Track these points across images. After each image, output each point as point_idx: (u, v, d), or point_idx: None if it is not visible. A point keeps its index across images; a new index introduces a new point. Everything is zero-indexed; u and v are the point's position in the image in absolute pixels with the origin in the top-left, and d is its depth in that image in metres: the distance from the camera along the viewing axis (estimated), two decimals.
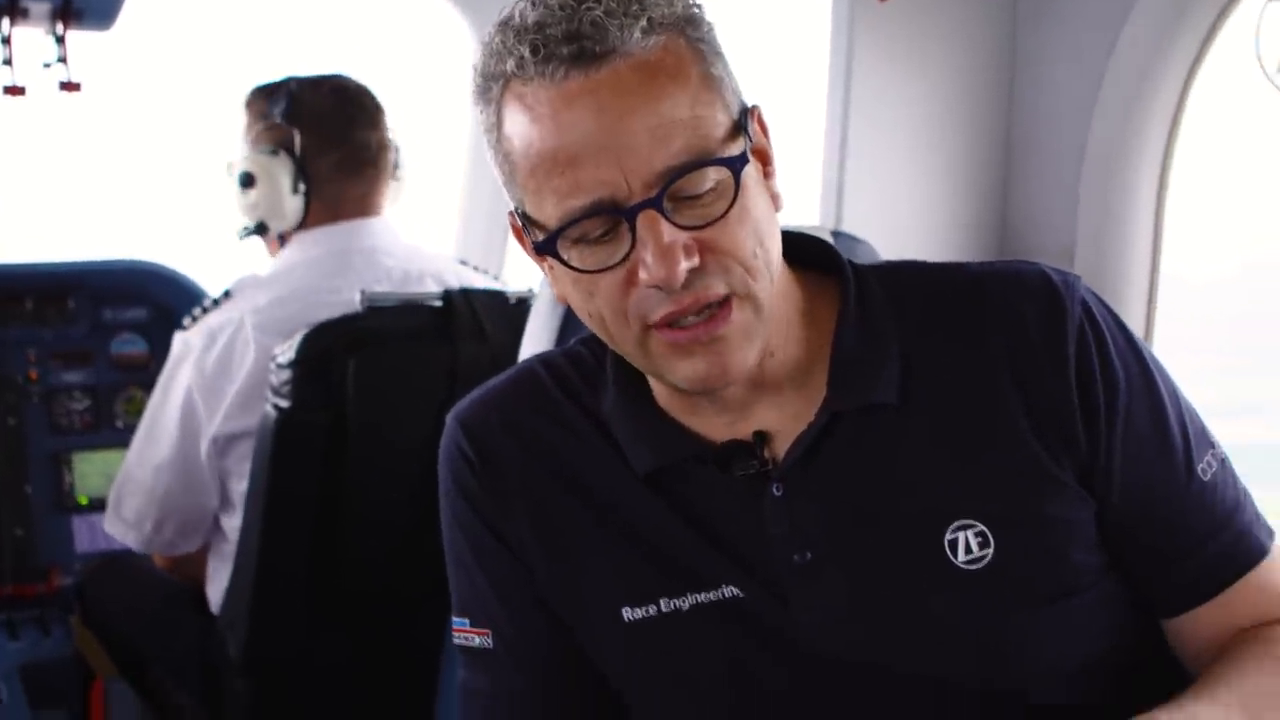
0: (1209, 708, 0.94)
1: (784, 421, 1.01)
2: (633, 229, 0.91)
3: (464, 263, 2.12)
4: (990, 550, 0.97)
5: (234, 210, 2.00)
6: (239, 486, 1.85)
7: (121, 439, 2.03)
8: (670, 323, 0.93)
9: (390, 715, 1.73)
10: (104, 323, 2.53)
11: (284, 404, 1.67)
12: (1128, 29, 1.62)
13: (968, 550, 0.97)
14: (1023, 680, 0.97)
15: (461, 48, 2.57)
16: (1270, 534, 1.06)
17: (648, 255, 0.90)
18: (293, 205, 1.95)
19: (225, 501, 1.92)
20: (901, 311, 1.02)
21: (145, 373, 2.44)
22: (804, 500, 0.99)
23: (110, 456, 2.40)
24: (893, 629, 0.97)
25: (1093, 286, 1.05)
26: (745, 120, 0.94)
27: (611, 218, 0.91)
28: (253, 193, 1.96)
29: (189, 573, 2.02)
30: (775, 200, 0.97)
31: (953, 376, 1.00)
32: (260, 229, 2.00)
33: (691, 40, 0.92)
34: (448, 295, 1.78)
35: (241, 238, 2.02)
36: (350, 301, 1.77)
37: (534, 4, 0.91)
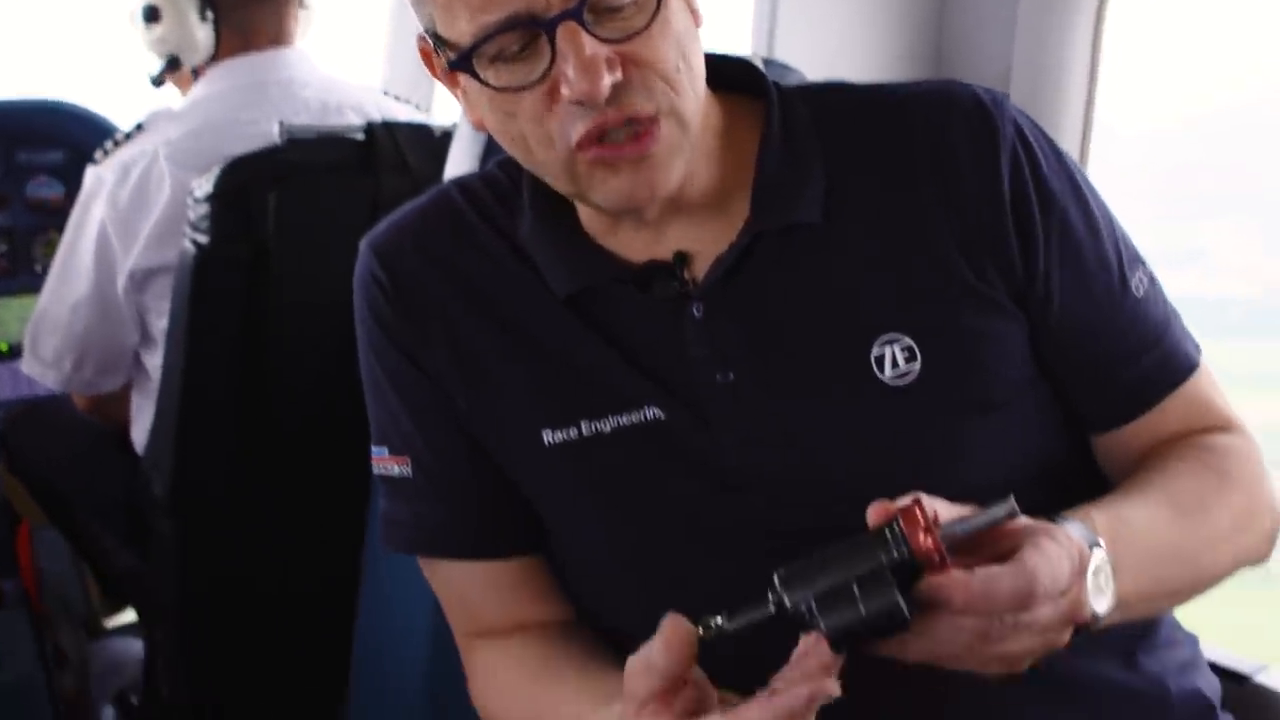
0: (1139, 506, 0.95)
1: (705, 243, 0.99)
2: (552, 43, 0.88)
3: (387, 94, 2.07)
4: (917, 365, 0.96)
5: (143, 49, 1.94)
6: (159, 323, 1.82)
7: (40, 284, 1.99)
8: (597, 138, 0.90)
9: (319, 549, 1.73)
10: (18, 165, 2.46)
11: (202, 239, 1.64)
12: None
13: (894, 365, 0.96)
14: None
15: None
16: (1197, 348, 1.07)
17: (569, 69, 0.87)
18: (202, 34, 1.90)
19: (146, 338, 1.89)
20: (826, 132, 1.00)
21: (62, 216, 2.34)
22: (725, 320, 0.98)
23: (28, 302, 2.31)
24: (818, 447, 0.97)
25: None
26: None
27: (529, 31, 0.88)
28: (159, 26, 1.90)
29: (112, 414, 2.00)
30: (695, 16, 0.95)
31: (878, 196, 0.99)
32: (172, 64, 1.93)
33: None
34: (370, 128, 1.74)
35: (155, 83, 1.96)
36: (268, 134, 1.72)
37: None
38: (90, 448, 2.04)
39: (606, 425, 0.99)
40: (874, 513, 0.79)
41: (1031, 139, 1.00)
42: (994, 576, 0.75)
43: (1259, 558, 1.06)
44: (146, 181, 1.82)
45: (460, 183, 1.08)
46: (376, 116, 1.84)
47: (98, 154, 1.89)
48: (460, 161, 1.38)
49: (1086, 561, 0.80)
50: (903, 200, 0.99)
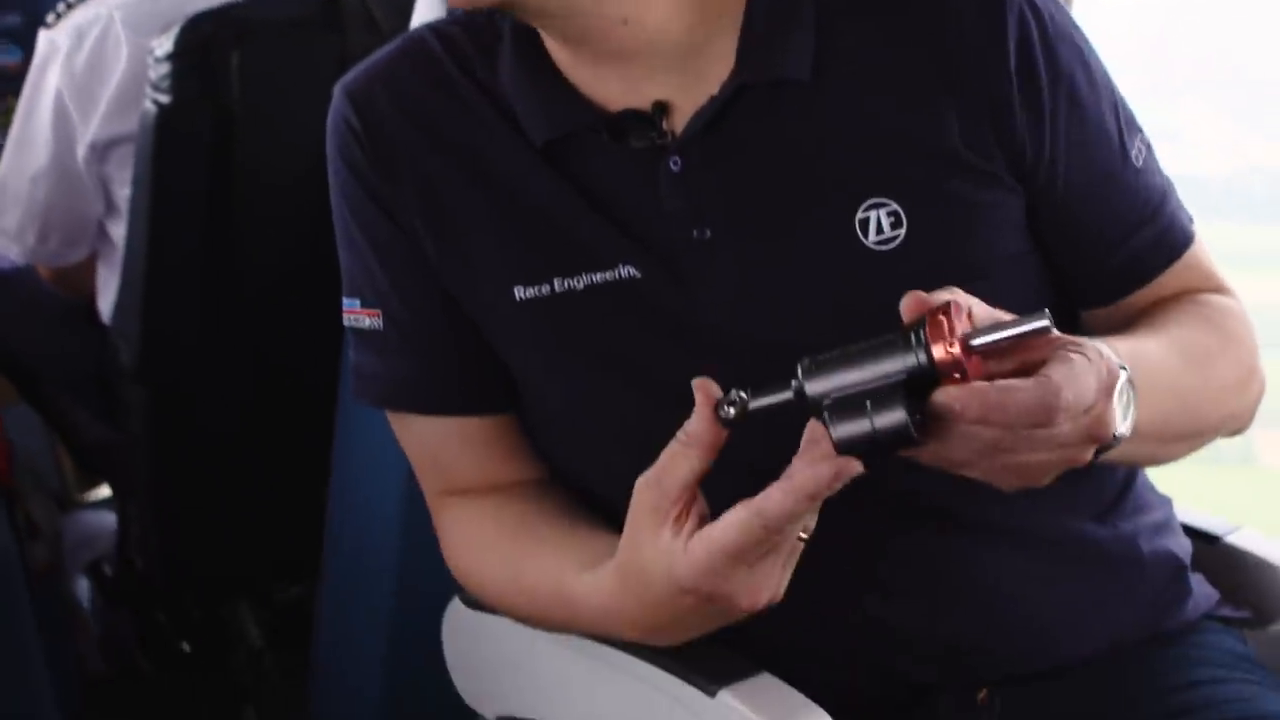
0: (1152, 345, 0.94)
1: (686, 94, 0.96)
2: None
3: None
4: (903, 231, 0.94)
5: None
6: (123, 192, 1.79)
7: None
8: None
9: (291, 412, 1.73)
10: None
11: (164, 99, 1.61)
12: None
13: (879, 230, 0.94)
14: None
15: None
16: (1191, 220, 1.05)
17: None
18: None
19: (111, 208, 1.86)
20: None
21: (19, 81, 2.29)
22: (703, 175, 0.96)
23: None
24: (796, 309, 0.95)
25: None
26: None
27: None
28: None
29: (78, 286, 1.98)
30: None
31: (872, 55, 0.96)
32: None
33: None
34: None
35: None
36: None
37: None
38: (58, 320, 2.02)
39: (580, 282, 0.97)
40: (907, 303, 0.75)
41: (1040, 2, 0.96)
42: (1013, 389, 0.72)
43: (1242, 425, 1.06)
44: (103, 47, 1.76)
45: (436, 27, 1.04)
46: None
47: (49, 17, 1.83)
48: (425, 16, 1.35)
49: (1115, 380, 0.77)
50: (898, 60, 0.96)
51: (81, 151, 1.80)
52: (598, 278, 0.97)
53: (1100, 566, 1.01)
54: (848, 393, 0.74)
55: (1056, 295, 1.02)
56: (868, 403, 0.72)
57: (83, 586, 2.14)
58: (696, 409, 0.79)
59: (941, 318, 0.72)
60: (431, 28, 1.04)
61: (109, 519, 2.23)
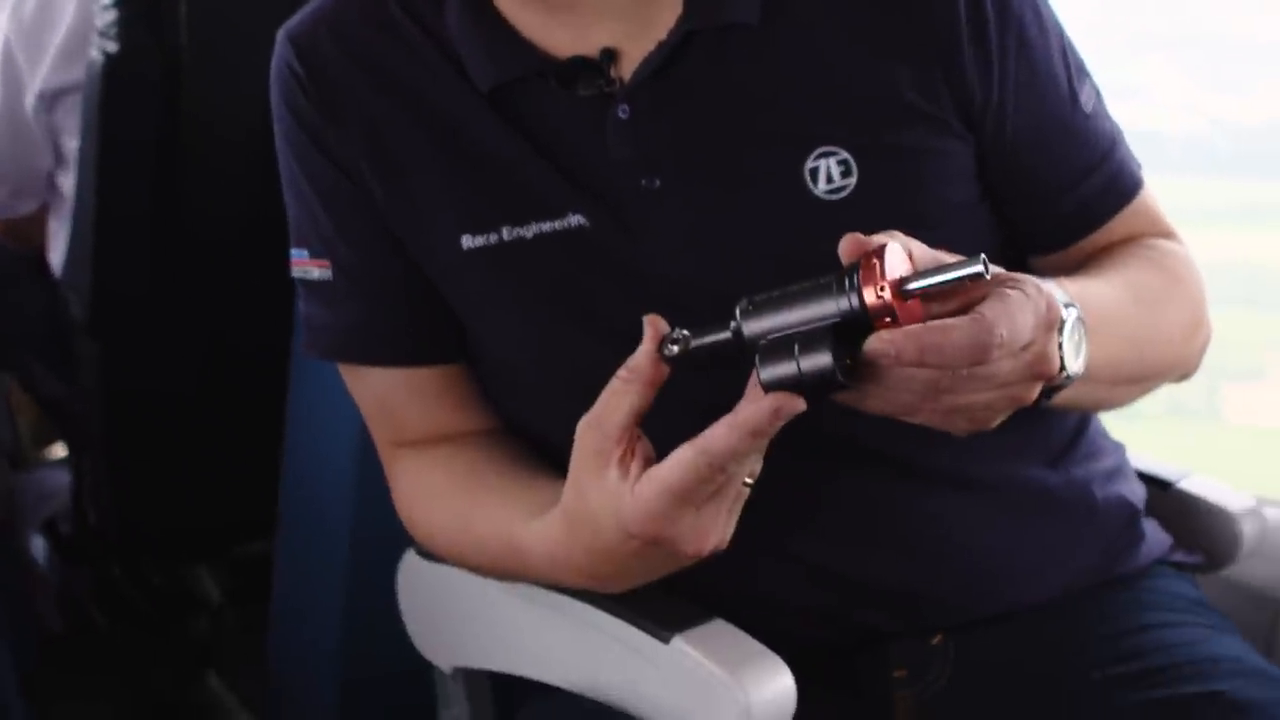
0: (1102, 287, 0.94)
1: (634, 40, 0.95)
2: None
3: None
4: (853, 180, 0.94)
5: None
6: (72, 143, 1.76)
7: None
8: None
9: (245, 364, 1.71)
10: None
11: (112, 47, 1.58)
12: None
13: (829, 179, 0.94)
14: None
15: None
16: (1139, 166, 1.06)
17: None
18: None
19: (60, 160, 1.84)
20: None
21: None
22: (651, 123, 0.95)
23: None
24: (745, 259, 0.94)
25: None
26: None
27: None
28: None
29: (29, 238, 1.95)
30: None
31: (823, 4, 0.95)
32: None
33: None
34: None
35: None
36: None
37: None
38: (8, 273, 1.99)
39: (529, 231, 0.96)
40: (845, 246, 0.74)
41: None
42: (947, 328, 0.71)
43: (1190, 370, 1.06)
44: None
45: None
46: None
47: None
48: None
49: (1056, 315, 0.76)
50: (847, 6, 0.95)
51: (30, 101, 1.78)
52: (546, 226, 0.96)
53: (1053, 512, 1.01)
54: (782, 334, 0.73)
55: (1007, 242, 1.02)
56: (796, 345, 0.72)
57: (39, 544, 2.12)
58: (643, 344, 0.78)
59: (875, 261, 0.72)
60: None
61: (65, 477, 2.21)
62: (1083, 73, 1.02)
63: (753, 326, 0.75)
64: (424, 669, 1.14)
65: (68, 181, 1.82)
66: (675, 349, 0.78)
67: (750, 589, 0.96)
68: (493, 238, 0.97)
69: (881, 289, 0.71)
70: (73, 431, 2.02)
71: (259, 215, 1.34)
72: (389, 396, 1.05)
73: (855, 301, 0.72)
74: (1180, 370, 1.05)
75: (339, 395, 1.09)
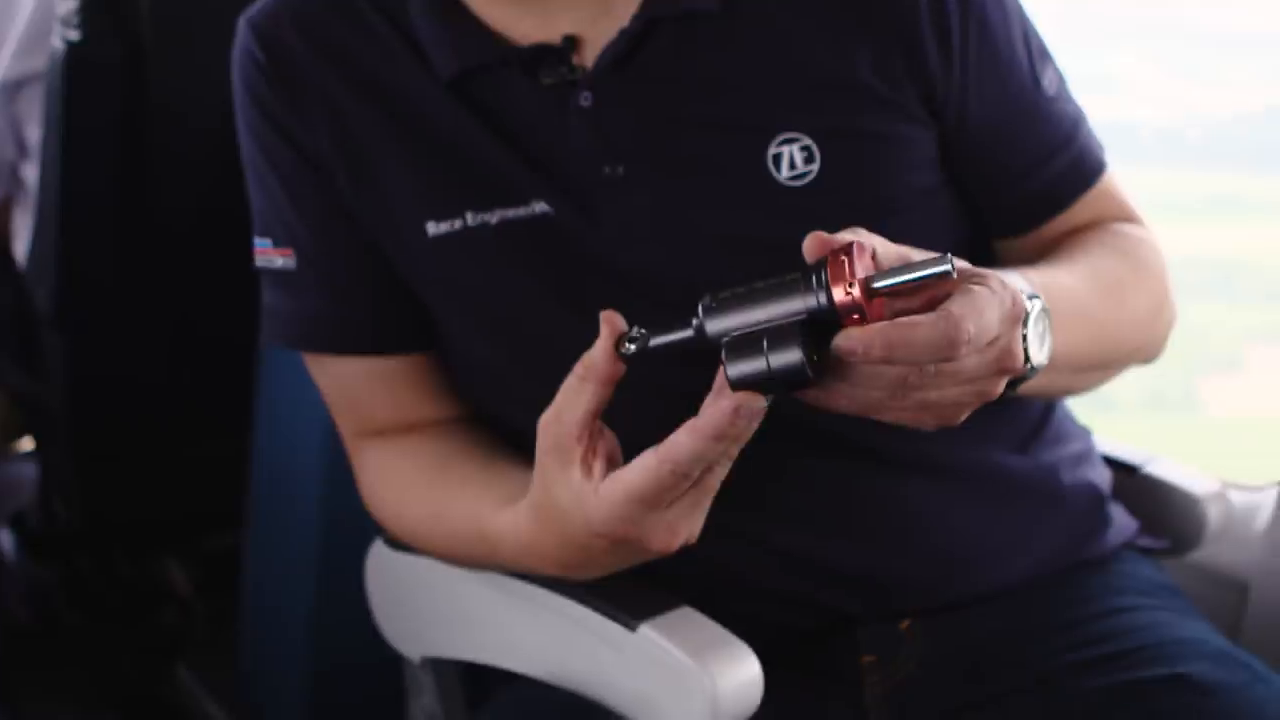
0: (1066, 275, 0.94)
1: (597, 28, 0.95)
2: None
3: None
4: (815, 166, 0.94)
5: None
6: (36, 133, 1.74)
7: None
8: None
9: (212, 356, 1.70)
10: None
11: (74, 35, 1.56)
12: None
13: (792, 166, 0.94)
14: None
15: None
16: (1102, 148, 1.06)
17: None
18: None
19: (23, 150, 1.81)
20: None
21: None
22: (614, 110, 0.94)
23: None
24: (709, 246, 0.94)
25: None
26: None
27: None
28: None
29: None
30: None
31: None
32: None
33: None
34: None
35: None
36: None
37: None
38: None
39: (493, 217, 0.96)
40: (809, 245, 0.73)
41: None
42: (914, 325, 0.71)
43: (1154, 354, 1.07)
44: None
45: None
46: None
47: None
48: None
49: (1020, 309, 0.76)
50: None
51: None
52: (510, 213, 0.96)
53: (1020, 497, 1.02)
54: (747, 331, 0.72)
55: (971, 226, 1.02)
56: (764, 341, 0.71)
57: (5, 538, 2.11)
58: (599, 341, 0.77)
59: (843, 258, 0.71)
60: None
61: (33, 470, 2.20)
62: (1045, 55, 1.02)
63: (716, 325, 0.74)
64: (394, 659, 1.14)
65: (31, 172, 1.80)
66: (633, 347, 0.77)
67: (719, 574, 0.96)
68: (457, 224, 0.96)
69: (850, 286, 0.71)
70: (40, 424, 2.00)
71: (224, 204, 1.34)
72: (354, 386, 1.04)
73: (824, 299, 0.71)
74: (1145, 354, 1.05)
75: (307, 385, 1.09)
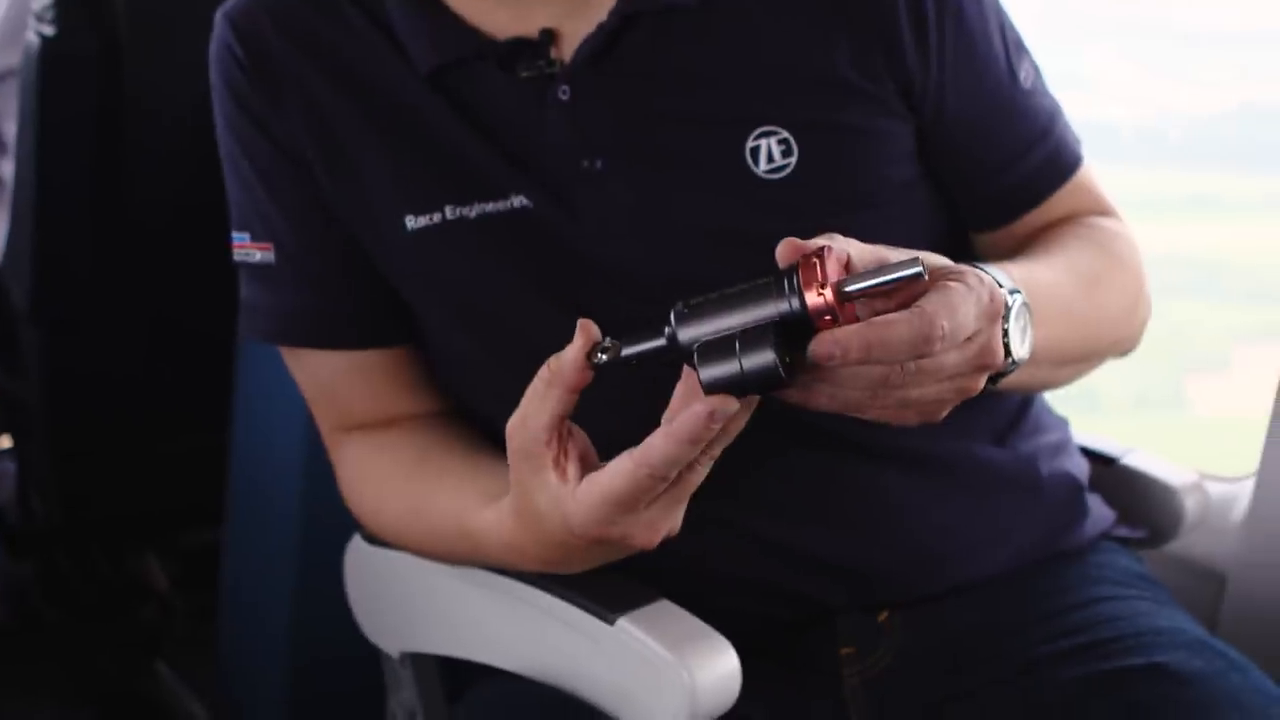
0: (1044, 269, 0.94)
1: (575, 22, 0.95)
2: None
3: None
4: (793, 159, 0.94)
5: None
6: (10, 128, 1.74)
7: None
8: None
9: (190, 352, 1.69)
10: None
11: (48, 30, 1.55)
12: None
13: (770, 159, 0.94)
14: None
15: None
16: (1079, 141, 1.06)
17: None
18: None
19: (1, 147, 1.81)
20: None
21: None
22: (593, 104, 0.94)
23: None
24: (688, 240, 0.94)
25: None
26: None
27: None
28: None
29: None
30: None
31: None
32: None
33: None
34: None
35: None
36: None
37: None
38: None
39: (472, 211, 0.96)
40: (782, 251, 0.73)
41: None
42: (890, 323, 0.71)
43: (1130, 347, 1.07)
44: None
45: None
46: None
47: None
48: None
49: (1000, 305, 0.75)
50: None
51: None
52: (489, 207, 0.95)
53: (999, 488, 1.02)
54: (719, 335, 0.72)
55: (950, 220, 1.02)
56: (737, 344, 0.71)
57: None
58: (571, 348, 0.75)
59: (815, 261, 0.71)
60: None
61: (11, 466, 2.19)
62: (1021, 49, 1.02)
63: (688, 332, 0.73)
64: (373, 654, 1.14)
65: (8, 168, 1.79)
66: (604, 357, 0.76)
67: (699, 566, 0.96)
68: (436, 217, 0.96)
69: (823, 289, 0.71)
70: (17, 420, 1.99)
71: (202, 198, 1.33)
72: (333, 380, 1.04)
73: (796, 304, 0.71)
74: (1123, 347, 1.06)
75: (286, 380, 1.08)
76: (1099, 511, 1.08)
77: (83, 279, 1.68)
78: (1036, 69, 1.03)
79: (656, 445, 0.73)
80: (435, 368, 1.04)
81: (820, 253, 0.72)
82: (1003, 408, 1.03)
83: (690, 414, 0.72)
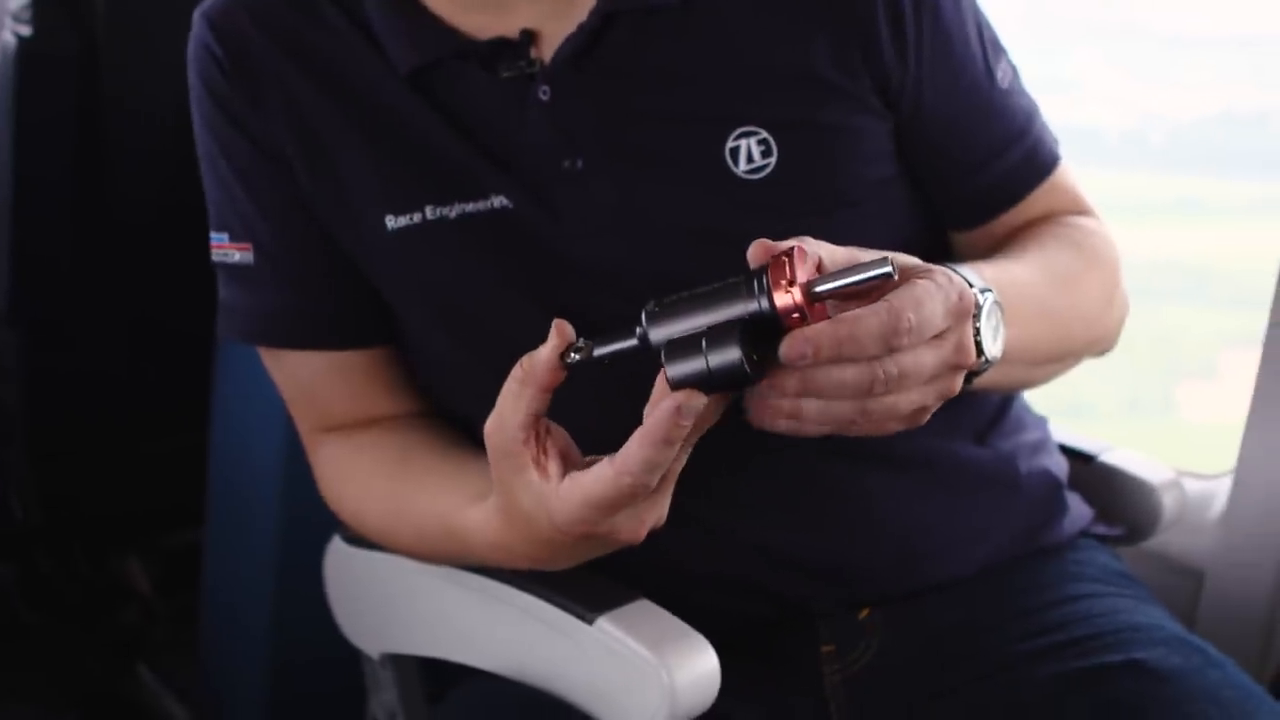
0: (1019, 267, 0.95)
1: (556, 22, 0.95)
2: None
3: None
4: (773, 159, 0.94)
5: None
6: None
7: None
8: None
9: (169, 353, 1.68)
10: None
11: (25, 30, 1.55)
12: None
13: (749, 159, 0.94)
14: None
15: None
16: (1056, 141, 1.06)
17: None
18: None
19: None
20: None
21: None
22: (573, 104, 0.94)
23: None
24: (668, 240, 0.94)
25: None
26: None
27: None
28: None
29: None
30: None
31: None
32: None
33: None
34: None
35: None
36: None
37: None
38: None
39: (452, 211, 0.95)
40: (753, 252, 0.73)
41: None
42: (858, 318, 0.71)
43: (1107, 346, 1.08)
44: None
45: None
46: None
47: None
48: None
49: (969, 304, 0.75)
50: None
51: None
52: (470, 207, 0.95)
53: (978, 486, 1.02)
54: (687, 334, 0.72)
55: (927, 219, 1.02)
56: (703, 341, 0.71)
57: None
58: (544, 348, 0.75)
59: (785, 261, 0.71)
60: None
61: None
62: (998, 49, 1.02)
63: (659, 332, 0.73)
64: (354, 655, 1.13)
65: None
66: (577, 357, 0.76)
67: (680, 564, 0.96)
68: (416, 218, 0.96)
69: (791, 288, 0.71)
70: None
71: (181, 198, 1.32)
72: (312, 380, 1.03)
73: (765, 304, 0.71)
74: (1099, 346, 1.06)
75: (265, 380, 1.08)
76: (1078, 509, 1.09)
77: (62, 279, 1.67)
78: (1014, 69, 1.03)
79: (633, 451, 0.73)
80: (415, 368, 1.03)
81: (790, 253, 0.72)
82: (982, 406, 1.04)
83: (659, 412, 0.72)
